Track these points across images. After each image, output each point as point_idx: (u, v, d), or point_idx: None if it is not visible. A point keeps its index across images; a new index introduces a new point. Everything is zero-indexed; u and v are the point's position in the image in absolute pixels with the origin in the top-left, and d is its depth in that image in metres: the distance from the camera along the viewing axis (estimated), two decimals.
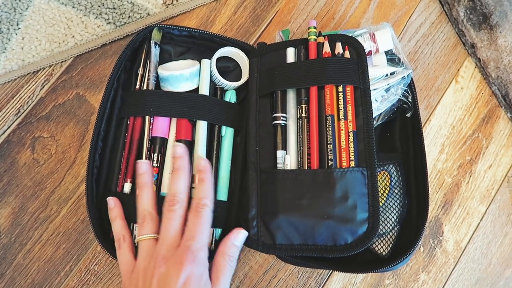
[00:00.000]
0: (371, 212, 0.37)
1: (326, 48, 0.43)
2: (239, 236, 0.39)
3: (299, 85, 0.42)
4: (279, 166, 0.42)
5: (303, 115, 0.42)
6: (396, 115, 0.46)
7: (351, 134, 0.40)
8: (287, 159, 0.41)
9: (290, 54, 0.45)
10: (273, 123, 0.43)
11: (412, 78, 0.45)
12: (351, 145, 0.40)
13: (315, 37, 0.44)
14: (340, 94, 0.41)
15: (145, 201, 0.39)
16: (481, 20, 0.49)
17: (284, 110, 0.43)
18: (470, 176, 0.49)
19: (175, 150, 0.41)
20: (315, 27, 0.44)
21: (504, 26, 0.48)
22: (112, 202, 0.40)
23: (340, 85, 0.41)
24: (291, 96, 0.44)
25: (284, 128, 0.43)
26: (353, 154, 0.39)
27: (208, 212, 0.38)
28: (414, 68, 0.52)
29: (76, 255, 0.45)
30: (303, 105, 0.42)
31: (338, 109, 0.41)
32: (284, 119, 0.43)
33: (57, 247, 0.46)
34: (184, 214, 0.38)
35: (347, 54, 0.42)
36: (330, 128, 0.40)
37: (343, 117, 0.40)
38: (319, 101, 0.42)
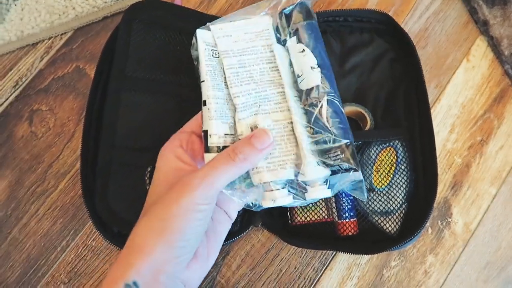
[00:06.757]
0: None
1: None
2: (262, 137, 0.28)
3: None
4: None
5: None
6: (399, 87, 0.44)
7: None
8: None
9: None
10: None
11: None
12: None
13: None
14: None
15: None
16: None
17: None
18: (481, 157, 0.47)
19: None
20: None
21: None
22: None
23: None
24: None
25: None
26: None
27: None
28: (424, 46, 0.50)
29: (73, 230, 0.44)
30: None
31: None
32: None
33: (54, 222, 0.44)
34: None
35: None
36: None
37: None
38: None
